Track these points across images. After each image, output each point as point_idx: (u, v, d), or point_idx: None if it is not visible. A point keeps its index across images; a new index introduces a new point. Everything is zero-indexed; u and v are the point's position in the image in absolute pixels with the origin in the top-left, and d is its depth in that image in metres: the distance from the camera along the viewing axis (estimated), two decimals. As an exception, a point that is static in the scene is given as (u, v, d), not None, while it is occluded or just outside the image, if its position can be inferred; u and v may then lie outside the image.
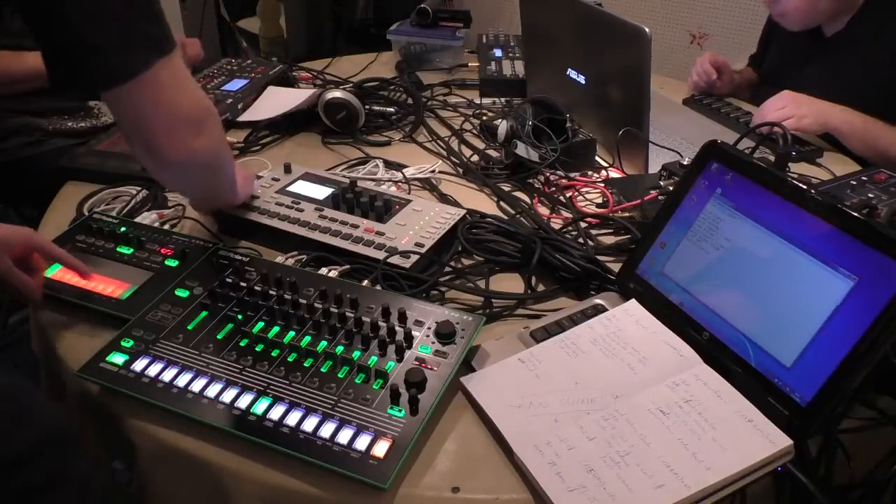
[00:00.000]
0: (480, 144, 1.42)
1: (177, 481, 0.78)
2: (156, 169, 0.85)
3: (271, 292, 0.90)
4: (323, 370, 0.79)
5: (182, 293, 0.91)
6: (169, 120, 0.79)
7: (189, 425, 0.76)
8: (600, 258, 1.02)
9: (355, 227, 1.04)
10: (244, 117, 1.48)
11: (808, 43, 1.59)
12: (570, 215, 1.18)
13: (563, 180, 1.27)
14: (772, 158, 1.19)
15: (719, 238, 0.85)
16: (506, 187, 1.27)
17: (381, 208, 1.07)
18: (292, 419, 0.73)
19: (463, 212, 1.09)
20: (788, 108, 1.40)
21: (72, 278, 0.94)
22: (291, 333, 0.84)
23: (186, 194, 1.05)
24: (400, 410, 0.74)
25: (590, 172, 1.31)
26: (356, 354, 0.81)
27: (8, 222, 1.38)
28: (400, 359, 0.81)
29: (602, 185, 1.24)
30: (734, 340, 0.80)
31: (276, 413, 0.74)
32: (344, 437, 0.72)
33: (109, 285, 0.93)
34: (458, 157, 1.37)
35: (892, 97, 1.40)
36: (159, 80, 0.77)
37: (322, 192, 1.13)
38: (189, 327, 0.85)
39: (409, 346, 0.82)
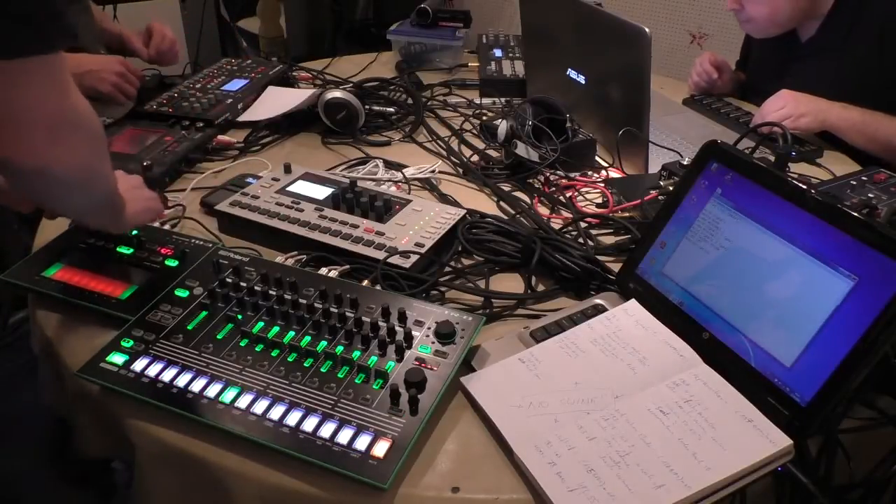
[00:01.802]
0: (480, 144, 1.42)
1: (177, 481, 0.78)
2: None
3: (271, 292, 0.90)
4: (323, 370, 0.79)
5: (182, 293, 0.91)
6: (24, 118, 0.68)
7: (189, 425, 0.76)
8: (600, 258, 1.02)
9: (355, 227, 1.04)
10: (244, 117, 1.48)
11: (784, 49, 1.59)
12: (570, 215, 1.18)
13: (563, 180, 1.27)
14: (772, 158, 1.19)
15: (719, 238, 0.85)
16: (506, 187, 1.27)
17: (381, 208, 1.07)
18: (292, 419, 0.73)
19: (463, 212, 1.09)
20: (787, 108, 1.40)
21: (72, 278, 0.94)
22: (291, 333, 0.84)
23: (59, 212, 0.92)
24: (400, 410, 0.74)
25: (590, 172, 1.31)
26: (356, 354, 0.81)
27: (8, 223, 1.38)
28: (400, 359, 0.81)
29: (602, 185, 1.24)
30: (734, 340, 0.80)
31: (276, 413, 0.74)
32: (344, 437, 0.72)
33: (109, 285, 0.93)
34: (458, 157, 1.37)
35: (868, 99, 1.40)
36: (28, 74, 0.67)
37: (322, 192, 1.13)
38: (189, 327, 0.85)
39: (409, 346, 0.82)
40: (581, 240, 1.10)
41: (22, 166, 0.69)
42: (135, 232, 1.01)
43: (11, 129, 0.68)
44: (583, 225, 1.14)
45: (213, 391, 0.77)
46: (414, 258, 0.98)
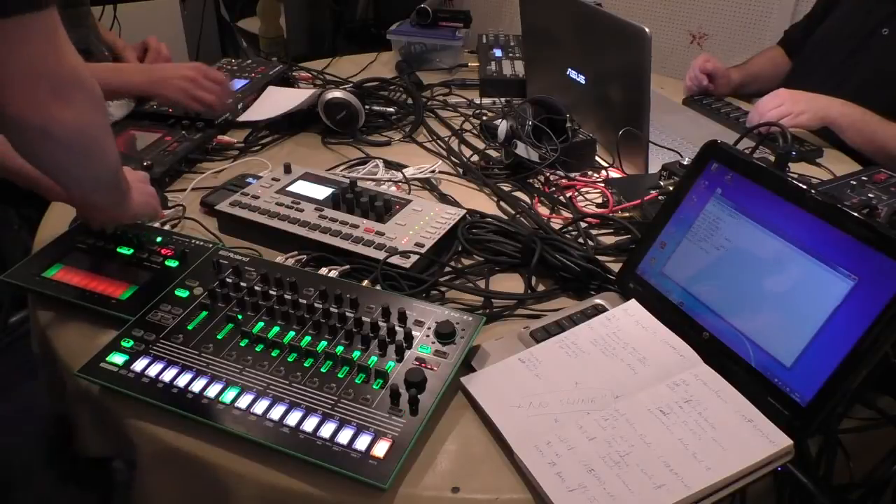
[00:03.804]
0: (480, 144, 1.42)
1: (177, 481, 0.78)
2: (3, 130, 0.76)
3: (271, 292, 0.90)
4: (323, 370, 0.79)
5: (182, 293, 0.91)
6: (27, 73, 0.71)
7: (189, 425, 0.76)
8: (600, 258, 1.02)
9: (355, 227, 1.04)
10: (244, 117, 1.48)
11: (889, 2, 1.51)
12: (570, 215, 1.18)
13: (563, 180, 1.27)
14: (772, 158, 1.19)
15: (719, 238, 0.85)
16: (506, 187, 1.27)
17: (381, 208, 1.07)
18: (292, 419, 0.73)
19: (463, 212, 1.09)
20: (785, 106, 1.39)
21: (72, 278, 0.94)
22: (291, 333, 0.84)
23: (64, 184, 0.90)
24: (400, 410, 0.74)
25: (590, 172, 1.31)
26: (356, 354, 0.81)
27: (8, 223, 1.38)
28: (400, 359, 0.81)
29: (602, 185, 1.24)
30: (734, 340, 0.80)
31: (276, 413, 0.74)
32: (344, 437, 0.72)
33: (109, 285, 0.93)
34: (458, 157, 1.37)
35: None
36: (25, 31, 0.69)
37: (322, 192, 1.13)
38: (189, 327, 0.85)
39: (409, 346, 0.82)
40: (581, 240, 1.10)
41: (27, 124, 0.72)
42: (135, 232, 1.02)
43: (16, 85, 0.70)
44: (583, 225, 1.14)
45: (213, 391, 0.77)
46: (414, 258, 0.98)
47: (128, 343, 0.83)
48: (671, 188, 1.10)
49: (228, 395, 0.76)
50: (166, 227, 1.08)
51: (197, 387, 0.77)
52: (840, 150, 1.44)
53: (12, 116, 0.72)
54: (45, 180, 0.95)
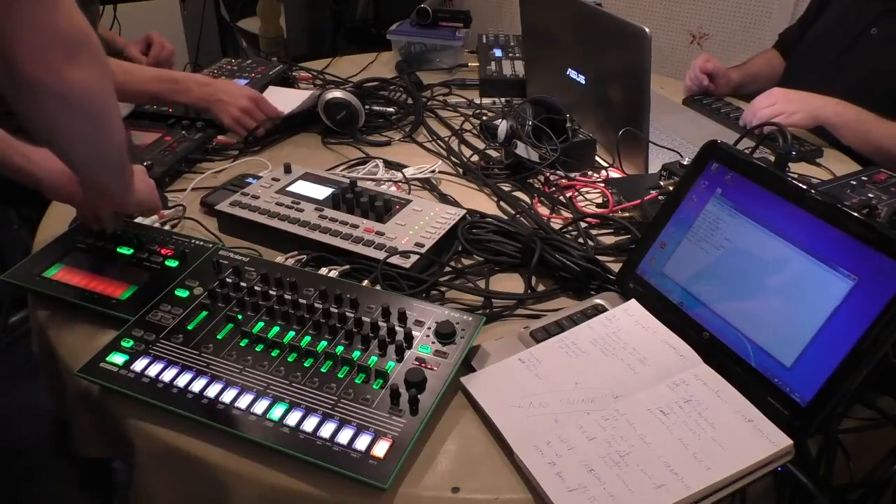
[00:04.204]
0: (480, 144, 1.42)
1: (177, 481, 0.78)
2: (12, 88, 0.74)
3: (271, 292, 0.90)
4: (323, 370, 0.79)
5: (182, 293, 0.91)
6: (39, 32, 0.71)
7: (189, 425, 0.76)
8: (600, 258, 1.02)
9: (355, 227, 1.04)
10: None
11: (877, 2, 1.51)
12: (570, 215, 1.18)
13: (563, 180, 1.27)
14: (772, 158, 1.19)
15: (719, 238, 0.85)
16: (506, 187, 1.27)
17: (381, 208, 1.07)
18: (292, 419, 0.73)
19: (463, 212, 1.09)
20: (778, 105, 1.39)
21: (72, 278, 0.94)
22: (291, 333, 0.84)
23: (73, 161, 0.89)
24: (400, 410, 0.74)
25: (590, 172, 1.31)
26: (356, 354, 0.81)
27: (8, 223, 1.37)
28: (400, 359, 0.81)
29: (602, 185, 1.24)
30: (734, 340, 0.80)
31: (276, 413, 0.74)
32: (344, 437, 0.72)
33: (109, 285, 0.93)
34: (458, 157, 1.37)
35: None
36: None
37: (322, 192, 1.13)
38: (189, 327, 0.85)
39: (409, 346, 0.82)
40: (581, 240, 1.10)
41: (41, 84, 0.72)
42: (135, 232, 1.02)
43: (29, 44, 0.70)
44: (583, 225, 1.14)
45: (213, 391, 0.77)
46: (414, 258, 0.98)
47: (128, 343, 0.83)
48: (671, 188, 1.10)
49: (228, 395, 0.76)
50: (166, 227, 1.08)
51: (197, 387, 0.77)
52: (840, 150, 1.44)
53: (27, 77, 0.71)
54: (47, 178, 0.95)
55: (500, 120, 1.34)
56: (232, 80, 1.52)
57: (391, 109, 1.52)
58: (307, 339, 0.83)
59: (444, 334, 0.83)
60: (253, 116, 1.39)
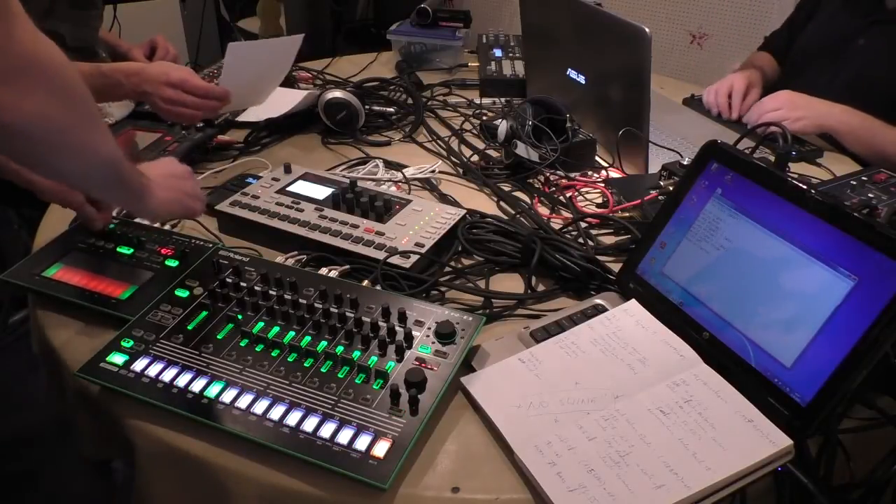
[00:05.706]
0: (480, 144, 1.42)
1: (177, 481, 0.78)
2: None
3: (271, 292, 0.90)
4: (323, 370, 0.79)
5: (182, 293, 0.91)
6: None
7: (189, 425, 0.75)
8: (600, 258, 1.02)
9: (355, 227, 1.04)
10: (244, 117, 1.48)
11: (863, 13, 1.51)
12: (570, 215, 1.18)
13: (563, 180, 1.27)
14: (772, 158, 1.19)
15: (719, 238, 0.85)
16: (506, 187, 1.27)
17: (381, 208, 1.07)
18: (292, 419, 0.73)
19: (463, 212, 1.09)
20: (784, 110, 1.39)
21: (72, 278, 0.94)
22: (291, 333, 0.84)
23: (50, 178, 0.83)
24: (400, 410, 0.74)
25: (590, 172, 1.31)
26: (356, 354, 0.81)
27: (8, 223, 1.37)
28: (400, 359, 0.81)
29: (602, 185, 1.24)
30: (734, 340, 0.80)
31: (276, 413, 0.74)
32: (344, 437, 0.71)
33: (109, 285, 0.93)
34: (458, 157, 1.37)
35: None
36: None
37: (322, 192, 1.13)
38: (189, 327, 0.85)
39: (409, 346, 0.82)
40: (581, 240, 1.10)
41: None
42: (135, 232, 1.02)
43: None
44: (583, 225, 1.14)
45: (213, 391, 0.77)
46: (414, 258, 0.98)
47: (128, 343, 0.83)
48: (671, 188, 1.10)
49: (228, 395, 0.76)
50: (166, 227, 1.08)
51: (197, 387, 0.77)
52: (840, 151, 1.44)
53: None
54: (45, 183, 0.94)
55: (500, 120, 1.34)
56: (163, 62, 1.37)
57: (391, 109, 1.52)
58: (307, 339, 0.83)
59: (444, 334, 0.83)
60: (186, 104, 1.20)
